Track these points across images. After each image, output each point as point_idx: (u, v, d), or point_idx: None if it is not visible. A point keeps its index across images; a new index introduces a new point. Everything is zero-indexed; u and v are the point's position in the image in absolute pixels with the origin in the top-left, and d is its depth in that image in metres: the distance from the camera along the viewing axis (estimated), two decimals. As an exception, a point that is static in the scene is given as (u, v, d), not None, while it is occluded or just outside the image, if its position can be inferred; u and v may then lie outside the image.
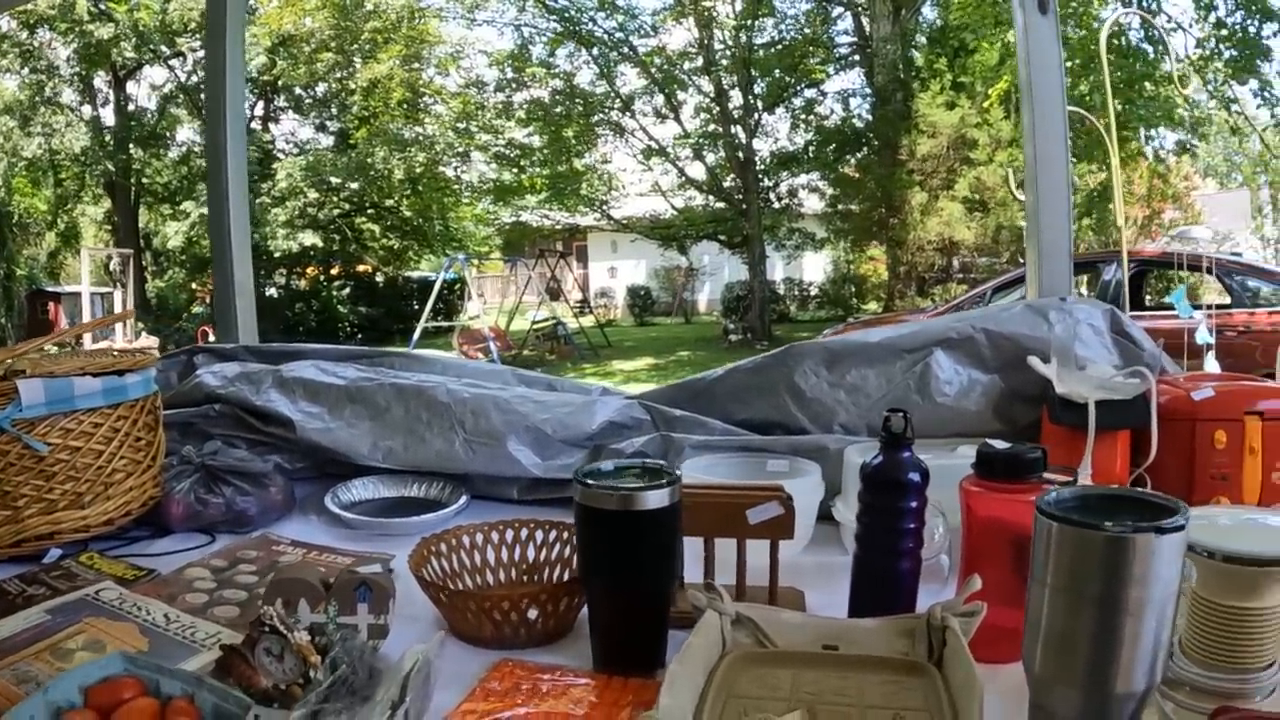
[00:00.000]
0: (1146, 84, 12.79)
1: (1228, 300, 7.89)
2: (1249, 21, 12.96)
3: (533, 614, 1.17)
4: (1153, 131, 14.82)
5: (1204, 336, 4.22)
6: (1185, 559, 0.90)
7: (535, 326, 16.98)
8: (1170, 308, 4.87)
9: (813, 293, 24.29)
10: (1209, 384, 1.55)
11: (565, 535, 1.41)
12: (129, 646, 1.09)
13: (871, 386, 1.83)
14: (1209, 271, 6.91)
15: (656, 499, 1.08)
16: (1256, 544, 0.90)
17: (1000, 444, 1.16)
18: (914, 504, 1.15)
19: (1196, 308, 4.70)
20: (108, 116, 19.49)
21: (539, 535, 1.42)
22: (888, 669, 0.99)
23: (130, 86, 19.65)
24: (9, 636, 1.12)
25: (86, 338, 12.52)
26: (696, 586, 1.09)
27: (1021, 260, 14.73)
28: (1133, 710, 0.83)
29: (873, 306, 20.81)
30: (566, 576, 1.37)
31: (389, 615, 1.11)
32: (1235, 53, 12.96)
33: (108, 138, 18.71)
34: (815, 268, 24.41)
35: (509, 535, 1.41)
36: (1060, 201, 2.12)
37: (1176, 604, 0.82)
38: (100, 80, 19.23)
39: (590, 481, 1.10)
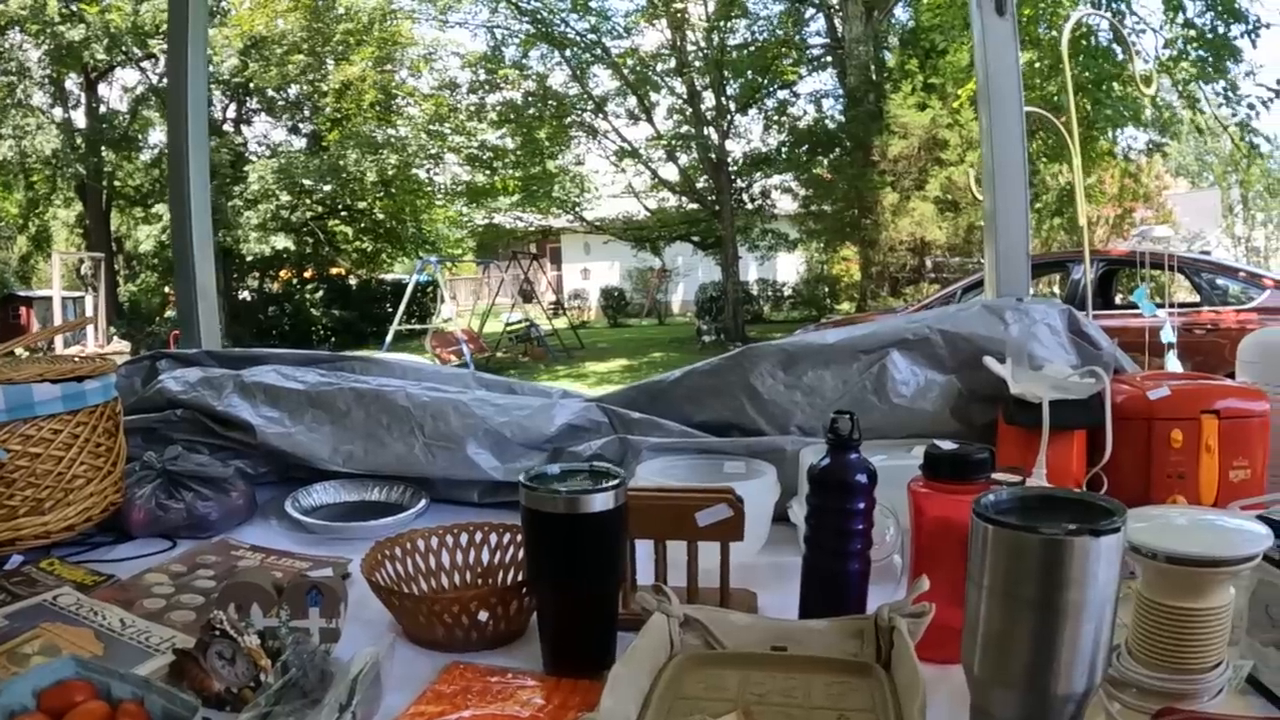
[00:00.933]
0: (1114, 84, 12.86)
1: (1197, 299, 7.95)
2: (1218, 23, 13.05)
3: (483, 617, 1.18)
4: (1122, 131, 14.91)
5: (1168, 335, 4.27)
6: (1130, 560, 0.92)
7: (508, 329, 16.98)
8: (1136, 306, 4.92)
9: (786, 293, 24.38)
10: (1166, 383, 1.57)
11: (519, 539, 1.40)
12: (84, 651, 1.10)
13: (828, 388, 1.84)
14: (1174, 270, 6.96)
15: (601, 501, 1.09)
16: (1205, 545, 0.91)
17: (948, 445, 1.17)
18: (862, 505, 1.16)
19: (1159, 306, 4.75)
20: (79, 119, 19.37)
21: (493, 538, 1.42)
22: (835, 670, 1.00)
23: (102, 88, 19.56)
24: None
25: (58, 342, 12.47)
26: (646, 589, 1.08)
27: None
28: (1073, 712, 0.83)
29: (846, 307, 20.88)
30: (520, 580, 1.37)
31: (340, 619, 1.12)
32: (1204, 54, 13.05)
33: (79, 140, 18.58)
34: (789, 268, 24.50)
35: (464, 539, 1.42)
36: (1018, 203, 2.12)
37: (1116, 605, 0.82)
38: (72, 82, 19.10)
39: (535, 485, 1.11)
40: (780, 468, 1.64)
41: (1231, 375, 1.72)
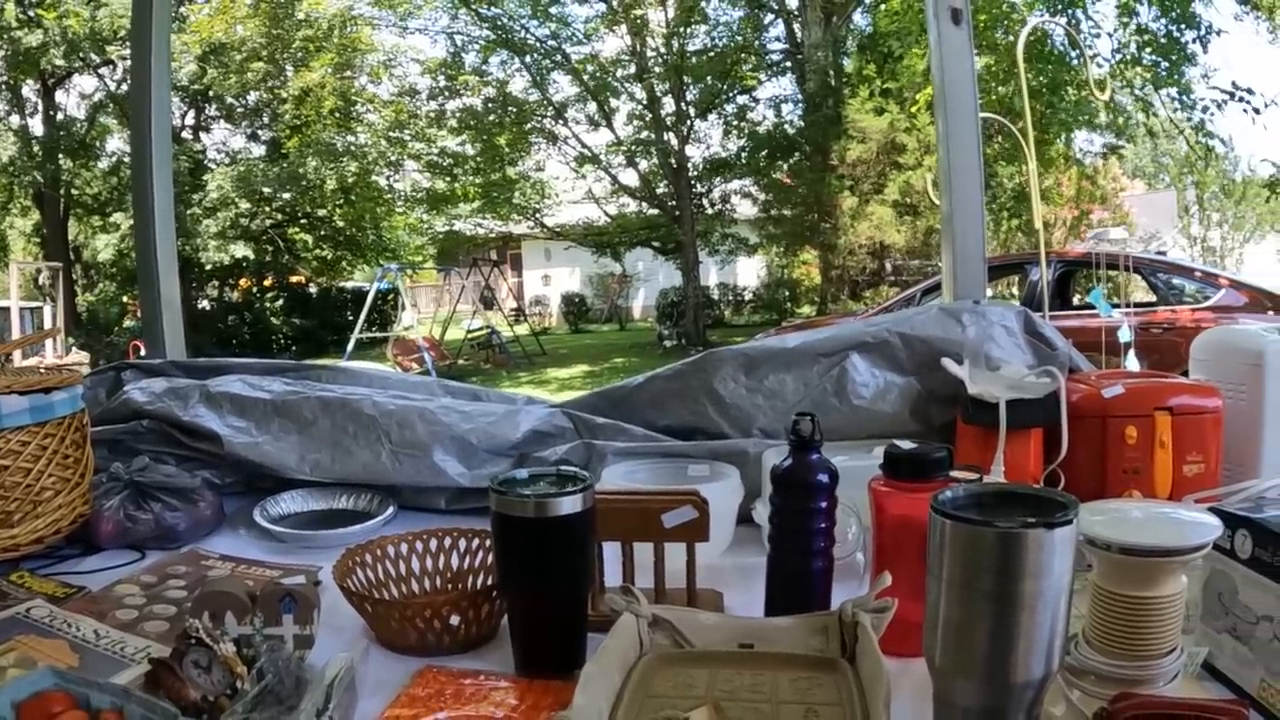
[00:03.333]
0: (1069, 89, 12.99)
1: (1153, 298, 8.06)
2: (1170, 28, 13.21)
3: (454, 621, 1.20)
4: (1077, 135, 15.06)
5: (1125, 335, 4.33)
6: (1086, 551, 0.95)
7: (469, 336, 16.93)
8: (1094, 307, 4.98)
9: (747, 297, 24.42)
10: (1120, 381, 1.60)
11: (488, 543, 1.42)
12: (60, 663, 1.11)
13: (789, 391, 1.87)
14: (1129, 270, 7.05)
15: (570, 505, 1.11)
16: (1157, 536, 0.94)
17: (907, 444, 1.20)
18: (824, 504, 1.19)
19: (1116, 306, 4.82)
20: (36, 126, 19.16)
21: (462, 544, 1.44)
22: (801, 666, 1.02)
23: (59, 95, 19.33)
24: None
25: (16, 354, 12.33)
26: (614, 590, 1.11)
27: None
28: (1031, 699, 0.86)
29: (806, 310, 20.94)
30: (490, 583, 1.39)
31: (314, 626, 1.14)
32: (1159, 59, 13.20)
33: (36, 148, 18.38)
34: (749, 272, 24.53)
35: (433, 544, 1.43)
36: (974, 207, 2.15)
37: (1071, 595, 0.84)
38: (29, 89, 18.88)
39: (504, 489, 1.13)
40: (743, 470, 1.68)
41: (1185, 373, 1.75)
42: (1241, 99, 13.10)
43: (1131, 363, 4.08)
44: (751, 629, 1.10)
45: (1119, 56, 13.52)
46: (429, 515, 1.84)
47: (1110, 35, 13.71)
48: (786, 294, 22.71)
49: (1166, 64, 13.40)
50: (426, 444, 1.83)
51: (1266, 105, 13.06)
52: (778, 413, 1.86)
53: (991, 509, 0.87)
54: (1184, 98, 13.89)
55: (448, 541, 1.44)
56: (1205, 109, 13.62)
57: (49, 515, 1.60)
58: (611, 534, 1.28)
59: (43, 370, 1.70)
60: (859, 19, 18.95)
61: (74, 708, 0.93)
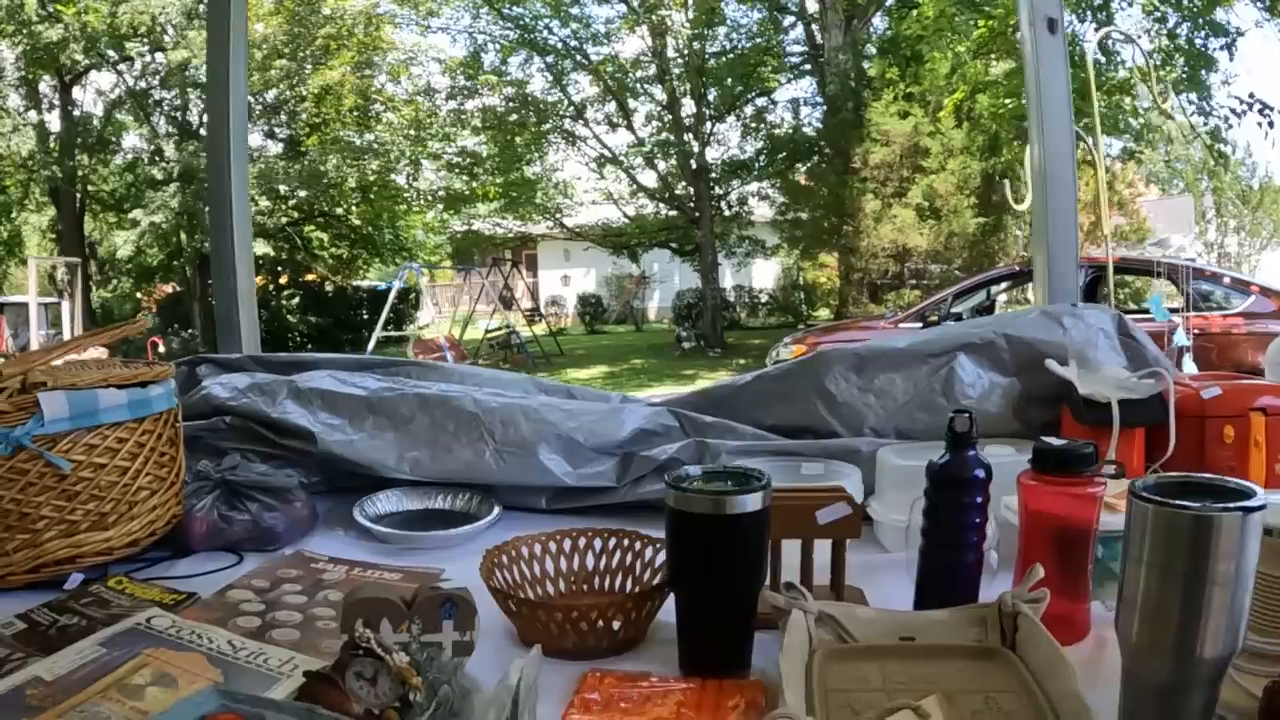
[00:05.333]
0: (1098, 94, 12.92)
1: (1181, 304, 8.02)
2: (1195, 35, 13.16)
3: (617, 623, 1.18)
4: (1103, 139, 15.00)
5: (1180, 339, 4.30)
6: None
7: (488, 335, 16.89)
8: (1143, 311, 4.95)
9: (763, 300, 24.39)
10: (1215, 383, 1.64)
11: (626, 543, 1.40)
12: (201, 678, 1.03)
13: (899, 390, 1.87)
14: (1161, 277, 7.05)
15: (751, 502, 1.09)
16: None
17: (1055, 440, 1.21)
18: (979, 499, 1.20)
19: (1174, 312, 4.78)
20: (53, 122, 19.12)
21: (597, 544, 1.41)
22: (964, 656, 1.04)
23: (75, 92, 19.29)
24: (66, 674, 1.05)
25: (34, 347, 12.30)
26: (777, 587, 1.13)
27: (975, 268, 14.81)
28: (1214, 674, 0.88)
29: (823, 313, 20.91)
30: (629, 585, 1.37)
31: (474, 632, 1.07)
32: (1187, 64, 13.15)
33: (53, 143, 18.34)
34: (764, 275, 24.50)
35: (566, 545, 1.40)
36: (1068, 213, 2.20)
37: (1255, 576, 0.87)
38: (46, 85, 18.85)
39: (682, 485, 1.11)
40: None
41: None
42: (1263, 109, 13.01)
43: (1189, 366, 4.05)
44: (909, 622, 1.12)
45: (1151, 61, 13.47)
46: (528, 515, 1.78)
47: (1135, 42, 13.64)
48: (802, 297, 22.67)
49: (1187, 69, 13.34)
50: (532, 442, 1.77)
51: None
52: (888, 412, 1.86)
53: (1179, 495, 0.88)
54: (1205, 103, 13.82)
55: (582, 542, 1.41)
56: (1225, 116, 13.56)
57: (144, 517, 1.53)
58: (768, 531, 1.26)
59: (140, 364, 1.63)
60: (878, 22, 18.91)
61: (250, 731, 0.85)
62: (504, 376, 2.17)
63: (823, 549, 1.27)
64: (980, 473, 1.19)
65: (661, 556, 1.33)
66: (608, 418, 1.85)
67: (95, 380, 1.46)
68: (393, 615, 1.04)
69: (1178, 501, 0.86)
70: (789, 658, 0.96)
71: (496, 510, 1.74)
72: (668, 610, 1.20)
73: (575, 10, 18.86)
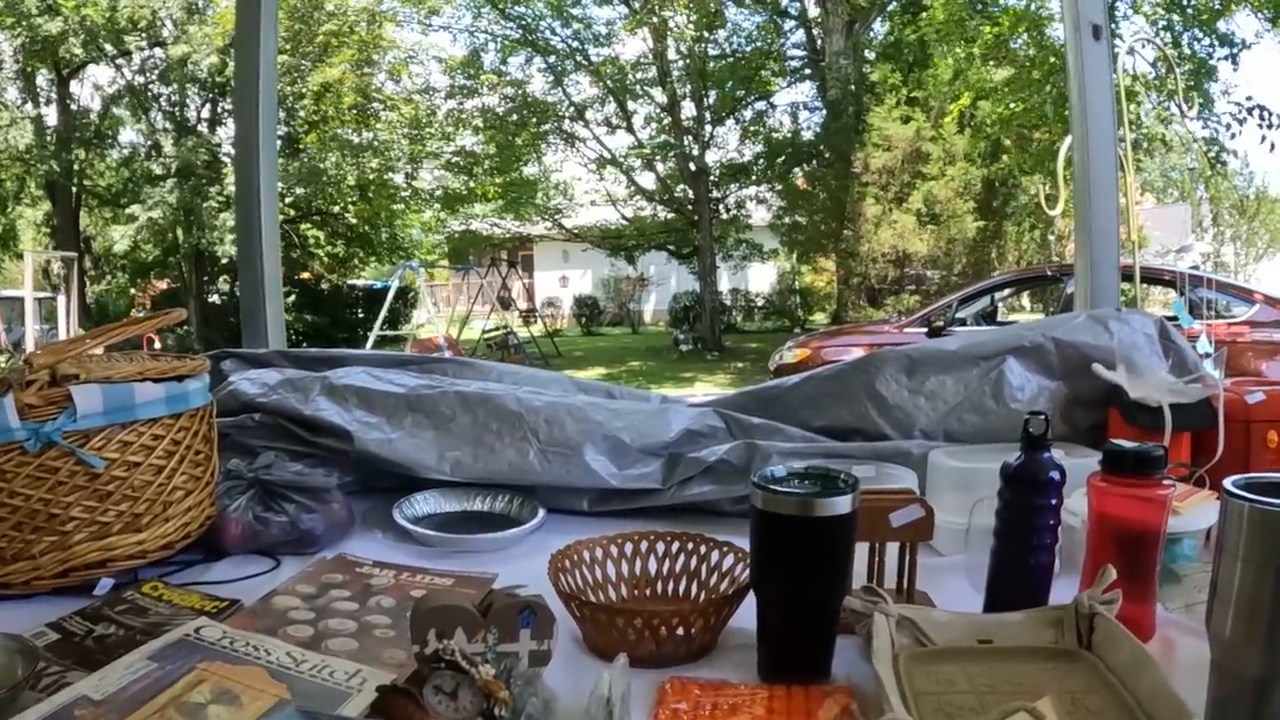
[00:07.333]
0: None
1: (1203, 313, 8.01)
2: (1196, 43, 13.17)
3: (695, 629, 1.15)
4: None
5: (1205, 346, 4.26)
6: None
7: (486, 336, 16.81)
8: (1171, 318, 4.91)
9: (759, 303, 24.36)
10: (1259, 389, 1.65)
11: (690, 546, 1.36)
12: (266, 694, 0.97)
13: (949, 392, 1.87)
14: (1165, 284, 7.05)
15: (841, 505, 1.07)
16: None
17: (1126, 444, 1.20)
18: (1053, 501, 1.20)
19: (1197, 319, 4.73)
20: (50, 116, 19.00)
21: (660, 547, 1.37)
22: (1043, 657, 1.04)
23: (73, 85, 19.19)
24: (115, 692, 0.97)
25: (29, 343, 12.21)
26: (856, 591, 1.12)
27: (974, 273, 14.76)
28: None
29: (819, 318, 20.87)
30: (694, 589, 1.34)
31: (552, 640, 1.01)
32: (1191, 73, 13.15)
33: (50, 137, 18.23)
34: (761, 278, 24.47)
35: (628, 548, 1.36)
36: (1109, 220, 2.20)
37: None
38: (43, 78, 18.74)
39: (770, 487, 1.08)
40: (908, 470, 1.67)
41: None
42: (1263, 116, 12.98)
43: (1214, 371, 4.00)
44: (985, 625, 1.12)
45: (1152, 71, 13.46)
46: (572, 518, 1.73)
47: (1137, 52, 13.61)
48: (799, 301, 22.63)
49: (1192, 80, 13.34)
50: (577, 443, 1.73)
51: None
52: (938, 414, 1.86)
53: (1272, 495, 0.89)
54: (1206, 112, 13.81)
55: (644, 545, 1.37)
56: (1227, 125, 13.54)
57: (179, 518, 1.45)
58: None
59: (173, 357, 1.56)
60: (879, 26, 18.89)
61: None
62: (541, 374, 2.11)
63: (886, 552, 1.26)
64: (1055, 474, 1.18)
65: (729, 560, 1.30)
66: (654, 418, 1.81)
67: (131, 374, 1.39)
68: (467, 624, 0.97)
69: (1274, 500, 0.88)
70: (880, 661, 0.96)
71: (542, 513, 1.68)
72: (736, 615, 1.18)
73: (577, 11, 18.84)
